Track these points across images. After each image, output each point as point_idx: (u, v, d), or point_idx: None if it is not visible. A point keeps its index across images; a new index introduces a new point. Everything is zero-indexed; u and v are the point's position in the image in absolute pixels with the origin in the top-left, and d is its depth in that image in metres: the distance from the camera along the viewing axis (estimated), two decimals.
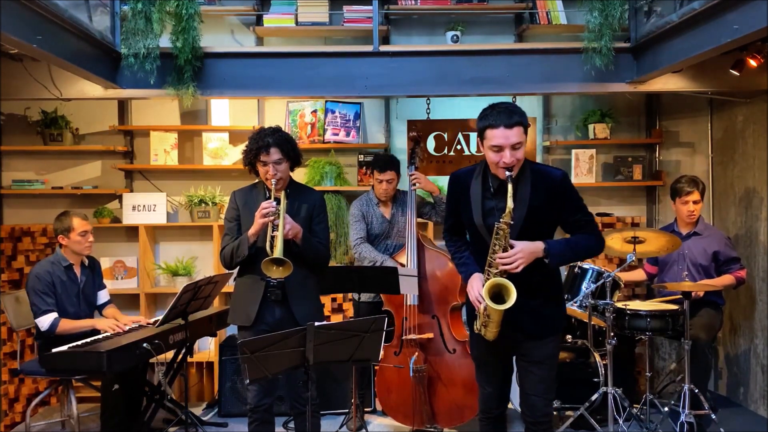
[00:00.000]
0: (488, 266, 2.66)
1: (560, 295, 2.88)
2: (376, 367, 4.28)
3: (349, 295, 4.72)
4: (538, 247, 2.61)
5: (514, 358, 2.92)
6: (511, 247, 2.59)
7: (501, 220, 2.58)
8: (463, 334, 3.99)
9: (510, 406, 4.24)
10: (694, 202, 4.25)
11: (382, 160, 4.24)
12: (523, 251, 2.57)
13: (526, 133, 2.62)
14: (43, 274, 3.83)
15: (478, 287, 2.67)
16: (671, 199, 4.39)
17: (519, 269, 2.57)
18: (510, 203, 2.54)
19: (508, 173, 2.56)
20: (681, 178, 4.36)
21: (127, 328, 3.87)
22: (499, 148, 2.57)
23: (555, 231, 2.81)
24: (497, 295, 2.58)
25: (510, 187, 2.55)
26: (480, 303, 2.64)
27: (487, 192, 2.71)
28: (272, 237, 3.10)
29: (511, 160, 2.56)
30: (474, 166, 2.82)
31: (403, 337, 3.96)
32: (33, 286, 3.80)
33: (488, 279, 2.63)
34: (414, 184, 4.20)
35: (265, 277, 3.20)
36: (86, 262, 4.07)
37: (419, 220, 4.30)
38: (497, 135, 2.56)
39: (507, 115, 2.57)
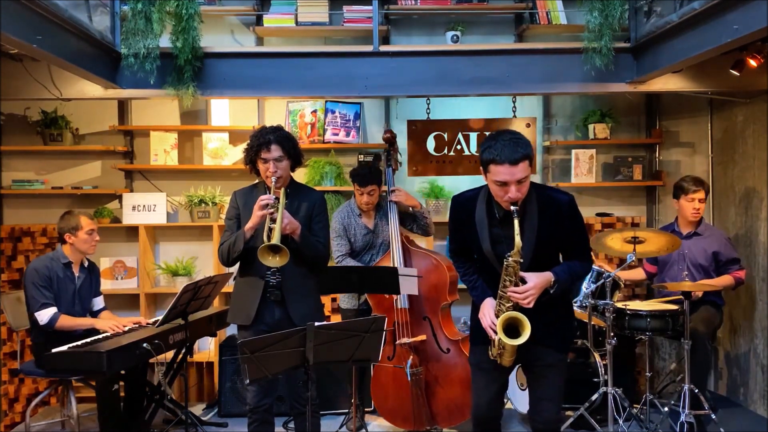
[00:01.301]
0: (499, 298, 2.64)
1: (571, 310, 2.88)
2: (373, 367, 4.26)
3: (336, 304, 4.68)
4: (548, 279, 2.59)
5: (520, 367, 2.89)
6: (523, 281, 2.56)
7: (510, 257, 2.54)
8: (456, 333, 3.97)
9: (509, 406, 4.25)
10: (700, 200, 4.25)
11: (362, 175, 4.10)
12: (536, 286, 2.55)
13: (531, 164, 2.54)
14: (42, 268, 3.83)
15: (490, 315, 2.64)
16: (674, 198, 4.38)
17: (531, 305, 2.55)
18: (518, 241, 2.49)
19: (513, 207, 2.50)
20: (686, 177, 4.37)
21: (126, 328, 3.87)
22: (503, 183, 2.50)
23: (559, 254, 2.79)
24: (511, 326, 2.57)
25: (516, 222, 2.49)
26: (494, 329, 2.61)
27: (494, 219, 2.66)
28: (270, 228, 3.10)
29: (516, 196, 2.50)
30: (476, 190, 2.75)
31: (397, 342, 3.92)
32: (31, 279, 3.80)
33: (500, 311, 2.61)
34: (394, 201, 4.09)
35: (265, 276, 3.21)
36: (86, 263, 4.06)
37: None
38: (502, 171, 2.48)
39: (512, 149, 2.47)
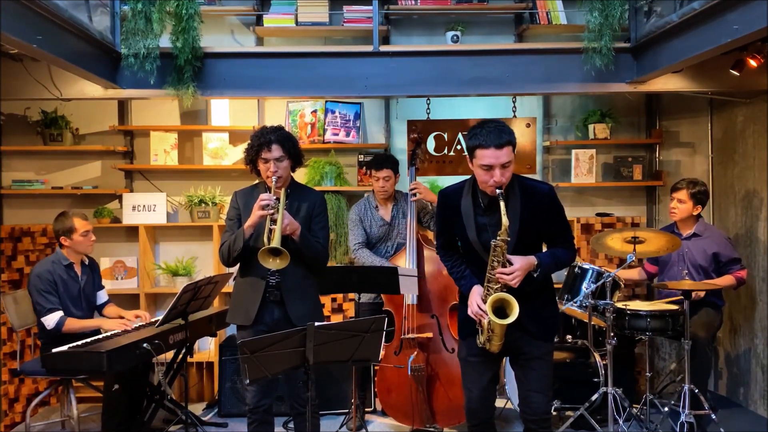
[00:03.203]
0: (487, 282, 2.73)
1: (554, 298, 2.98)
2: (376, 367, 4.28)
3: (350, 295, 4.72)
4: (532, 262, 2.71)
5: (508, 359, 2.98)
6: (509, 262, 2.67)
7: (498, 237, 2.65)
8: None
9: (509, 405, 4.25)
10: (679, 201, 4.25)
11: (378, 159, 4.26)
12: (521, 268, 2.66)
13: (514, 150, 2.69)
14: (45, 273, 3.83)
15: (478, 301, 2.74)
16: None
17: (517, 284, 2.66)
18: (505, 220, 2.61)
19: (498, 191, 2.63)
20: (685, 177, 4.39)
21: (133, 326, 3.88)
22: (489, 167, 2.63)
23: (542, 243, 2.90)
24: (499, 309, 2.66)
25: (503, 204, 2.61)
26: (483, 318, 2.72)
27: (478, 209, 2.78)
28: (270, 230, 3.10)
29: (500, 180, 2.63)
30: (462, 183, 2.88)
31: (403, 337, 3.96)
32: (35, 285, 3.80)
33: (488, 294, 2.71)
34: (414, 195, 4.20)
35: (265, 276, 3.21)
36: (86, 261, 4.07)
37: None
38: (487, 155, 2.62)
39: (497, 134, 2.63)
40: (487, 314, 2.66)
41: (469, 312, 2.77)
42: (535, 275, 2.72)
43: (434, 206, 4.26)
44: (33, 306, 3.85)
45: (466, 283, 2.86)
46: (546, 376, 2.84)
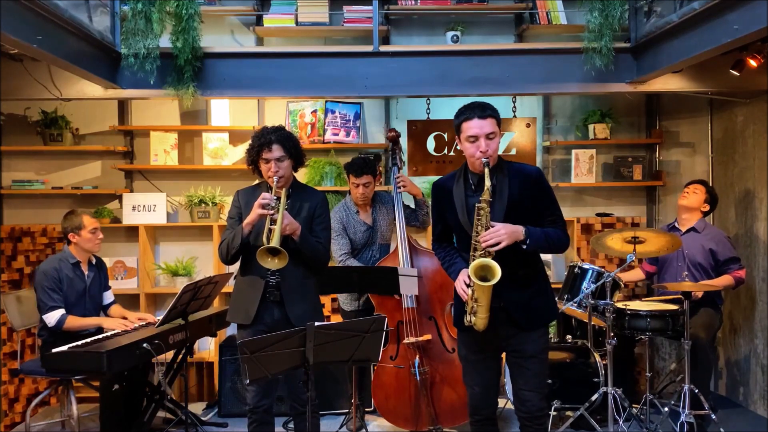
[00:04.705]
0: (473, 251, 2.76)
1: (548, 287, 2.96)
2: (375, 367, 4.27)
3: (336, 304, 4.68)
4: (518, 228, 2.72)
5: (504, 355, 2.99)
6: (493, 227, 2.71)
7: (481, 198, 2.72)
8: None
9: (509, 405, 4.25)
10: (694, 191, 4.34)
11: (358, 164, 4.12)
12: (505, 227, 2.69)
13: (499, 126, 2.80)
14: (51, 270, 3.84)
15: (463, 277, 2.78)
16: None
17: (502, 245, 2.66)
18: (488, 182, 2.69)
19: (484, 160, 2.71)
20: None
21: (133, 326, 3.88)
22: (474, 138, 2.74)
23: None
24: (483, 279, 2.68)
25: (487, 171, 2.70)
26: (466, 290, 2.74)
27: (469, 190, 2.86)
28: (270, 230, 3.10)
29: (486, 148, 2.72)
30: (454, 172, 2.96)
31: (403, 341, 3.93)
32: (40, 282, 3.82)
33: (473, 260, 2.73)
34: (399, 187, 4.16)
35: (265, 275, 3.21)
36: (93, 260, 4.09)
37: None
38: (472, 125, 2.75)
39: (480, 108, 2.78)
40: (470, 281, 2.69)
41: (457, 290, 2.80)
42: (524, 246, 2.73)
43: (417, 199, 4.27)
44: (37, 302, 3.87)
45: (456, 268, 2.88)
46: (540, 374, 2.85)
